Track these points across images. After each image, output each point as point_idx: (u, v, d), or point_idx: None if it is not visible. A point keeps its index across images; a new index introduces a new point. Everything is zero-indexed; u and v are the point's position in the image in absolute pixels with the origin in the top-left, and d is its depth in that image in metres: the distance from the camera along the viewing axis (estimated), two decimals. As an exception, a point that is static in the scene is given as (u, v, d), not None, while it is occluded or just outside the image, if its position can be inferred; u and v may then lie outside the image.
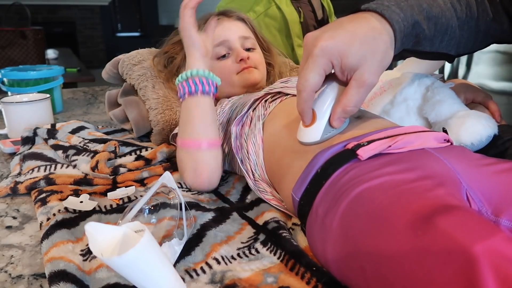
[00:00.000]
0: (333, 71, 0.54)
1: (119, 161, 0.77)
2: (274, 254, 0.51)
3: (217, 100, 0.84)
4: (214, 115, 0.66)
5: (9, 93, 1.18)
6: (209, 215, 0.59)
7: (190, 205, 0.62)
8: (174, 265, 0.49)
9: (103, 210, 0.62)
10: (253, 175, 0.65)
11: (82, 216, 0.59)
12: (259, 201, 0.63)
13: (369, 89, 0.51)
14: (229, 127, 0.70)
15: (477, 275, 0.30)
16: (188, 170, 0.62)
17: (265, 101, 0.70)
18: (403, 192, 0.40)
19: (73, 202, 0.62)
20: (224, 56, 0.80)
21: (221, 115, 0.74)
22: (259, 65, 0.81)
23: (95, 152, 0.79)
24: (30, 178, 0.70)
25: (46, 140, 0.86)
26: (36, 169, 0.73)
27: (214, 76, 0.66)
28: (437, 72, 0.88)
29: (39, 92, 1.12)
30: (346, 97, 0.52)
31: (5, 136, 0.98)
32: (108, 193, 0.66)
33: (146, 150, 0.81)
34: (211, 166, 0.63)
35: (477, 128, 0.66)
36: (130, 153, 0.80)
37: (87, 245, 0.52)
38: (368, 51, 0.50)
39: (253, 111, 0.69)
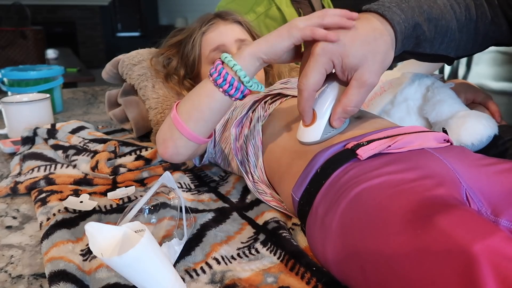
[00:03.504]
0: (333, 71, 0.54)
1: (119, 161, 0.77)
2: (274, 254, 0.51)
3: None
4: (218, 116, 0.58)
5: (9, 93, 1.18)
6: (209, 215, 0.59)
7: (190, 205, 0.62)
8: (174, 265, 0.49)
9: (103, 210, 0.62)
10: (252, 176, 0.65)
11: (82, 216, 0.59)
12: (259, 201, 0.63)
13: (370, 89, 0.51)
14: (229, 128, 0.70)
15: (477, 274, 0.30)
16: (160, 136, 0.60)
17: (265, 102, 0.70)
18: (402, 191, 0.40)
19: (73, 202, 0.62)
20: None
21: None
22: None
23: (95, 152, 0.79)
24: (30, 178, 0.70)
25: (46, 140, 0.86)
26: (36, 169, 0.73)
27: (253, 85, 0.55)
28: (437, 72, 0.88)
29: (39, 92, 1.12)
30: (346, 97, 0.52)
31: (5, 136, 0.98)
32: (108, 193, 0.66)
33: (146, 150, 0.81)
34: (178, 150, 0.59)
35: (478, 128, 0.66)
36: (130, 153, 0.80)
37: (87, 245, 0.52)
38: (369, 51, 0.50)
39: (252, 112, 0.69)
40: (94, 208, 0.62)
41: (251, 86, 0.55)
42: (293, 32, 0.52)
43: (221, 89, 0.54)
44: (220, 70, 0.54)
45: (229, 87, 0.54)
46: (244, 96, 0.56)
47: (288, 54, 0.54)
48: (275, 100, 0.70)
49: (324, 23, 0.51)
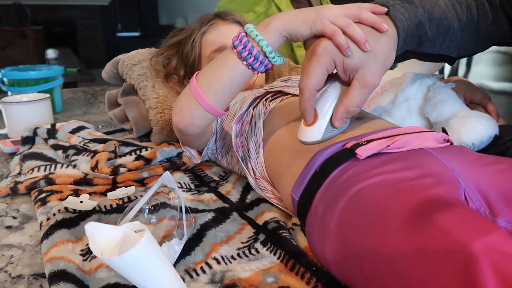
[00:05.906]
0: (335, 71, 0.54)
1: (119, 161, 0.76)
2: (274, 254, 0.51)
3: None
4: (238, 88, 0.57)
5: (9, 93, 1.18)
6: (209, 215, 0.59)
7: (190, 205, 0.62)
8: (174, 265, 0.49)
9: (103, 210, 0.62)
10: (254, 173, 0.65)
11: (82, 216, 0.59)
12: (259, 201, 0.63)
13: (372, 90, 0.51)
14: (228, 123, 0.70)
15: (476, 272, 0.30)
16: (178, 105, 0.60)
17: (266, 99, 0.70)
18: (401, 190, 0.40)
19: (73, 202, 0.62)
20: None
21: None
22: None
23: (95, 152, 0.79)
24: (30, 178, 0.70)
25: (46, 140, 0.86)
26: (36, 169, 0.73)
27: (277, 60, 0.54)
28: (437, 72, 0.88)
29: (39, 92, 1.12)
30: (348, 97, 0.52)
31: (5, 136, 0.98)
32: (108, 193, 0.66)
33: (146, 150, 0.81)
34: (194, 120, 0.59)
35: (479, 128, 0.66)
36: (130, 153, 0.80)
37: (87, 245, 0.52)
38: (370, 52, 0.50)
39: (253, 109, 0.69)
40: (94, 208, 0.62)
41: (275, 62, 0.54)
42: (316, 24, 0.51)
43: (245, 62, 0.54)
44: (245, 43, 0.53)
45: (254, 60, 0.53)
46: (267, 70, 0.55)
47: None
48: (276, 98, 0.70)
49: (362, 17, 0.50)
